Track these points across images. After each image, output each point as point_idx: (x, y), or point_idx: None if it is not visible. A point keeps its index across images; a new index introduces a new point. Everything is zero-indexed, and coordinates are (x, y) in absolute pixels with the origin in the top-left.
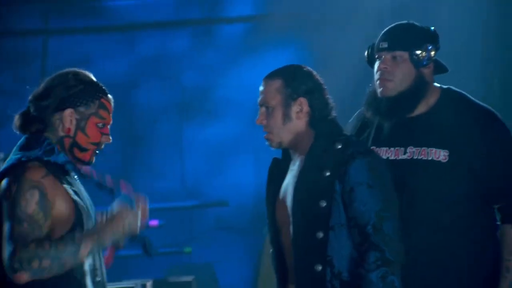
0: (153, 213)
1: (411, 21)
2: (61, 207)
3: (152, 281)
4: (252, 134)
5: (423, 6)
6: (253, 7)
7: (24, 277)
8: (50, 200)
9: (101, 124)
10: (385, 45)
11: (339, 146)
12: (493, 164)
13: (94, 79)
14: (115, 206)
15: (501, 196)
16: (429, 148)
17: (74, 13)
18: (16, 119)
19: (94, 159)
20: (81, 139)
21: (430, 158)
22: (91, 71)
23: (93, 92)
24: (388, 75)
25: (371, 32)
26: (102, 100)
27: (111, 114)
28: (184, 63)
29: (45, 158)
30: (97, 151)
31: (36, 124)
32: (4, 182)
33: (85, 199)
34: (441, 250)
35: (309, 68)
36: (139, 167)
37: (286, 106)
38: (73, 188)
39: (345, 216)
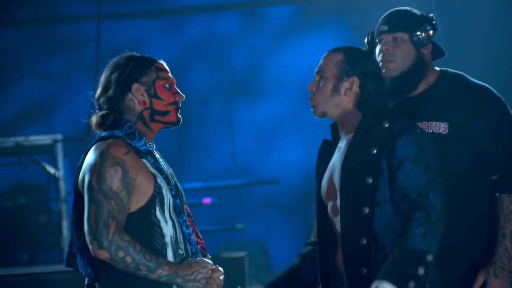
0: (206, 192)
1: (409, 8)
2: (141, 183)
3: None
4: (300, 114)
5: None
6: None
7: (104, 256)
8: (132, 177)
9: (167, 84)
10: (385, 27)
11: (386, 125)
12: (488, 137)
13: (139, 54)
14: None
15: (497, 167)
16: (430, 122)
17: None
18: (92, 121)
19: (180, 118)
20: (158, 105)
21: (430, 131)
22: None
23: (145, 61)
24: (390, 56)
25: None
26: (156, 64)
27: (170, 74)
28: (233, 45)
29: (127, 141)
30: (178, 111)
31: (110, 117)
32: (90, 155)
33: (166, 171)
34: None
35: (374, 56)
36: (192, 148)
37: (339, 80)
38: (154, 162)
39: (390, 192)
